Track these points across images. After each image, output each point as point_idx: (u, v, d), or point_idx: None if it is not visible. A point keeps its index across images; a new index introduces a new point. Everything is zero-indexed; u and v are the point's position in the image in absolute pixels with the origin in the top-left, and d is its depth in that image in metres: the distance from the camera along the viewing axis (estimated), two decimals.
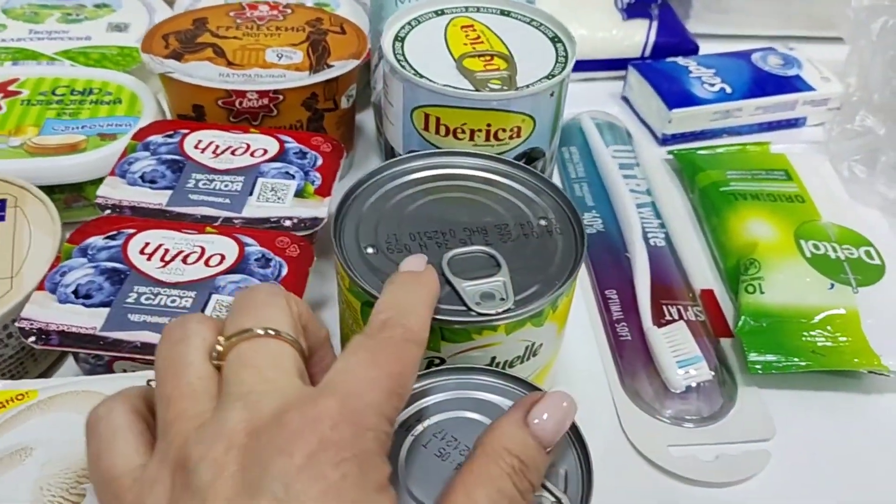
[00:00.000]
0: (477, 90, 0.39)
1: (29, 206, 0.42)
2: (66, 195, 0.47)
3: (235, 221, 0.41)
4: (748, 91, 0.59)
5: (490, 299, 0.32)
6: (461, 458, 0.28)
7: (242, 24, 0.51)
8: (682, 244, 0.51)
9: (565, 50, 0.42)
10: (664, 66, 0.61)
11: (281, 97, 0.46)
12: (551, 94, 0.40)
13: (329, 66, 0.48)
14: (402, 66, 0.40)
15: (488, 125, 0.39)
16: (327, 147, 0.46)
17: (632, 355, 0.44)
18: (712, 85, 0.59)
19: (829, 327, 0.43)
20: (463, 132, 0.39)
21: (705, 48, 0.66)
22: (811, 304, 0.44)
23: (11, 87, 0.51)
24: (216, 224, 0.41)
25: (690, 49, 0.64)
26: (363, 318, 0.33)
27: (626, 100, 0.63)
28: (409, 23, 0.44)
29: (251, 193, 0.42)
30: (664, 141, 0.58)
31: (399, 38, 0.42)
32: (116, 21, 0.59)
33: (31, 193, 0.43)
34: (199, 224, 0.40)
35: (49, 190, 0.45)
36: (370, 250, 0.34)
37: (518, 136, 0.40)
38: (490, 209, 0.36)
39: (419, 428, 0.30)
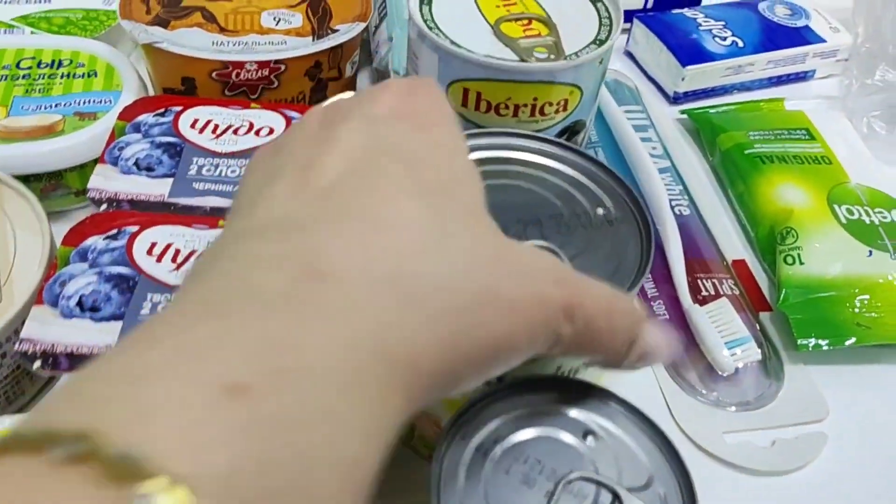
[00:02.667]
0: (523, 60, 0.35)
1: (8, 202, 0.38)
2: (44, 183, 0.42)
3: None
4: (759, 44, 0.56)
5: None
6: (549, 486, 0.26)
7: None
8: (707, 211, 0.48)
9: (607, 10, 0.38)
10: (671, 18, 0.58)
11: (283, 67, 0.42)
12: (600, 62, 0.36)
13: (333, 31, 0.43)
14: (436, 34, 0.36)
15: (535, 99, 0.36)
16: None
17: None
18: (724, 39, 0.56)
19: (871, 297, 0.42)
20: (506, 107, 0.36)
21: None
22: (852, 273, 0.43)
23: None
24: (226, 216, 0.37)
25: (693, 0, 0.61)
26: None
27: (630, 55, 0.60)
28: None
29: None
30: (675, 99, 0.56)
31: (425, 1, 0.38)
32: None
33: (8, 186, 0.38)
34: (210, 217, 0.36)
35: (24, 179, 0.40)
36: None
37: (564, 109, 0.36)
38: (541, 197, 0.33)
39: (497, 451, 0.27)
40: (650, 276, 0.44)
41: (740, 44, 0.56)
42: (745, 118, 0.52)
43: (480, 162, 0.34)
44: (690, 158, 0.52)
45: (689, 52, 0.55)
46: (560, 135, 0.35)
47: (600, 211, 0.33)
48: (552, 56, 0.35)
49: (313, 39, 0.43)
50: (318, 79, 0.44)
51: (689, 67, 0.54)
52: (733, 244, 0.47)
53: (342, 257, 0.18)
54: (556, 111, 0.36)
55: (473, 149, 0.34)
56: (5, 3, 0.50)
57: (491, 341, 0.19)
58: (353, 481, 0.16)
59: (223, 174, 0.38)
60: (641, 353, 0.24)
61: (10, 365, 0.34)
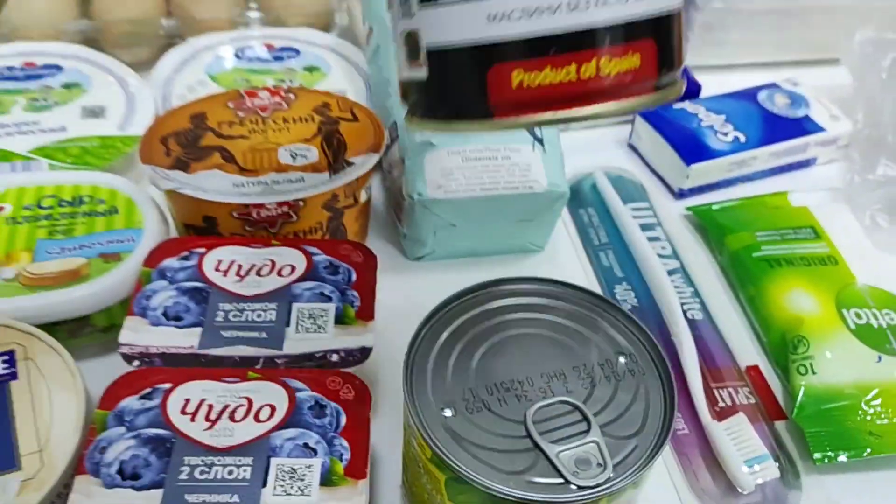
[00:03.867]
0: None
1: (41, 358, 0.39)
2: (71, 326, 0.43)
3: (278, 361, 0.38)
4: (761, 138, 0.57)
5: (586, 466, 0.30)
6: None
7: (246, 119, 0.47)
8: (719, 314, 0.49)
9: None
10: (673, 114, 0.59)
11: (301, 203, 0.43)
12: None
13: (349, 164, 0.44)
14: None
15: None
16: (358, 257, 0.43)
17: (692, 451, 0.43)
18: (725, 134, 0.57)
19: (882, 404, 0.43)
20: None
21: (703, 79, 0.64)
22: (862, 380, 0.44)
23: None
24: (258, 367, 0.38)
25: (693, 91, 0.63)
26: (449, 495, 0.31)
27: (633, 148, 0.61)
28: None
29: (288, 324, 0.39)
30: (680, 194, 0.57)
31: None
32: (90, 104, 0.54)
33: (40, 341, 0.39)
34: (240, 369, 0.37)
35: (50, 324, 0.41)
36: (448, 412, 0.31)
37: None
38: (563, 346, 0.34)
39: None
40: None
41: (742, 139, 0.57)
42: (751, 217, 0.53)
43: (502, 311, 0.35)
44: (699, 257, 0.53)
45: (693, 149, 0.56)
46: None
47: (622, 360, 0.34)
48: None
49: (330, 175, 0.44)
50: (335, 209, 0.45)
51: (693, 166, 0.55)
52: (746, 349, 0.48)
53: None
54: None
55: (489, 298, 0.35)
56: (21, 133, 0.52)
57: None
58: None
59: (249, 319, 0.39)
60: None
61: None
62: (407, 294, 0.48)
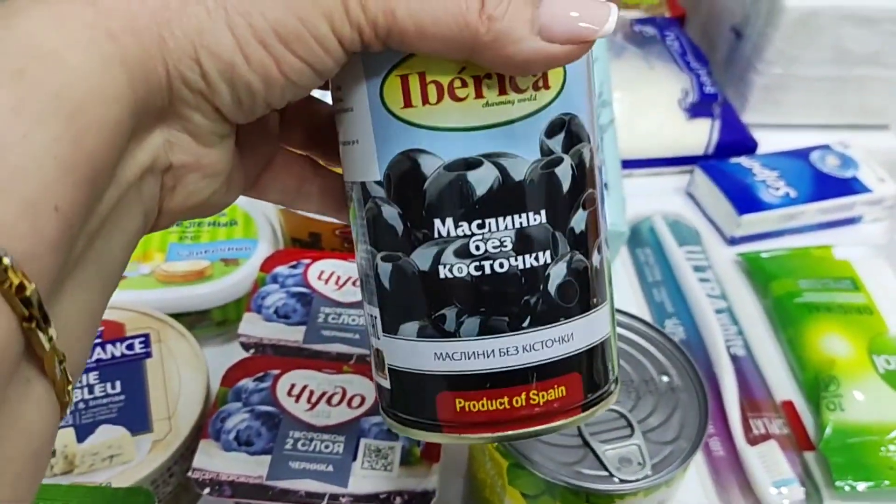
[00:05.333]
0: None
1: (172, 341, 0.46)
2: (193, 317, 0.50)
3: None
4: (810, 194, 0.62)
5: (628, 464, 0.36)
6: None
7: None
8: (759, 352, 0.54)
9: None
10: (729, 168, 0.64)
11: None
12: None
13: None
14: None
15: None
16: None
17: (726, 472, 0.48)
18: (777, 189, 0.62)
19: None
20: (464, 85, 0.24)
21: (760, 136, 0.70)
22: (887, 420, 0.48)
23: None
24: (351, 362, 0.44)
25: (750, 147, 0.68)
26: (509, 479, 0.37)
27: (690, 195, 0.66)
28: None
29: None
30: (732, 241, 0.62)
31: None
32: None
33: (171, 327, 0.47)
34: (336, 363, 0.44)
35: (176, 315, 0.48)
36: None
37: (545, 86, 0.24)
38: None
39: None
40: None
41: (793, 194, 0.62)
42: (796, 266, 0.58)
43: None
44: (746, 300, 0.59)
45: (746, 201, 0.61)
46: (549, 132, 0.24)
47: (665, 378, 0.39)
48: None
49: None
50: None
51: (745, 216, 0.61)
52: (783, 385, 0.53)
53: None
54: (535, 86, 0.24)
55: None
56: None
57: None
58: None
59: (345, 322, 0.46)
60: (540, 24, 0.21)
61: (173, 483, 0.42)
62: None
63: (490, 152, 0.24)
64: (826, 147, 0.67)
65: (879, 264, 0.59)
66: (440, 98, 0.24)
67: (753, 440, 0.49)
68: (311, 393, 0.42)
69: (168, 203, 0.23)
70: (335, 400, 0.42)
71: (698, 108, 0.68)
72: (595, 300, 0.26)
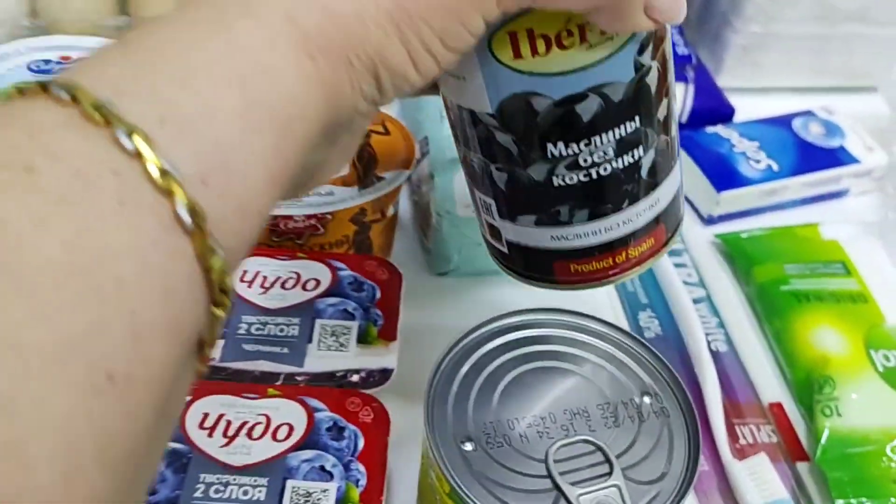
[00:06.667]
0: None
1: None
2: None
3: (298, 378, 0.38)
4: (794, 167, 0.57)
5: None
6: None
7: None
8: (743, 347, 0.49)
9: None
10: (705, 138, 0.58)
11: (329, 216, 0.43)
12: None
13: (379, 179, 0.44)
14: None
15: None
16: (383, 274, 0.42)
17: (710, 489, 0.42)
18: (758, 161, 0.56)
19: None
20: (570, 34, 0.26)
21: (737, 101, 0.63)
22: (888, 426, 0.43)
23: None
24: (278, 384, 0.37)
25: (726, 114, 0.62)
26: None
27: None
28: None
29: (310, 340, 0.39)
30: (709, 221, 0.56)
31: None
32: None
33: None
34: (259, 385, 0.37)
35: None
36: (468, 446, 0.31)
37: None
38: (586, 382, 0.34)
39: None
40: None
41: (775, 167, 0.56)
42: (780, 248, 0.53)
43: (526, 342, 0.35)
44: (726, 286, 0.53)
45: (724, 176, 0.55)
46: (640, 50, 0.27)
47: (647, 399, 0.33)
48: None
49: (359, 189, 0.43)
50: (362, 223, 0.45)
51: (723, 193, 0.55)
52: (770, 385, 0.47)
53: None
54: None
55: (513, 328, 0.35)
56: None
57: None
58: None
59: (271, 333, 0.39)
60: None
61: None
62: (429, 310, 0.48)
63: (593, 85, 0.27)
64: (809, 113, 0.61)
65: (871, 244, 0.53)
66: (548, 49, 0.26)
67: (741, 452, 0.43)
68: (229, 424, 0.36)
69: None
70: (257, 432, 0.35)
71: None
72: (673, 162, 0.31)
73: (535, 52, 0.26)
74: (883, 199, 0.58)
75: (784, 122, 0.60)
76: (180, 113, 0.18)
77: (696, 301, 0.50)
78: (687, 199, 0.58)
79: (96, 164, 0.17)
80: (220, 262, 0.18)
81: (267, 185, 0.20)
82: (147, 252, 0.17)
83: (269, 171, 0.20)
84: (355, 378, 0.38)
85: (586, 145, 0.27)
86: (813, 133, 0.59)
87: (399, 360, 0.39)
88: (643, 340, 0.35)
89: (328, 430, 0.36)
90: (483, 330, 0.35)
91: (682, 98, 0.61)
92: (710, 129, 0.59)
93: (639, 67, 0.27)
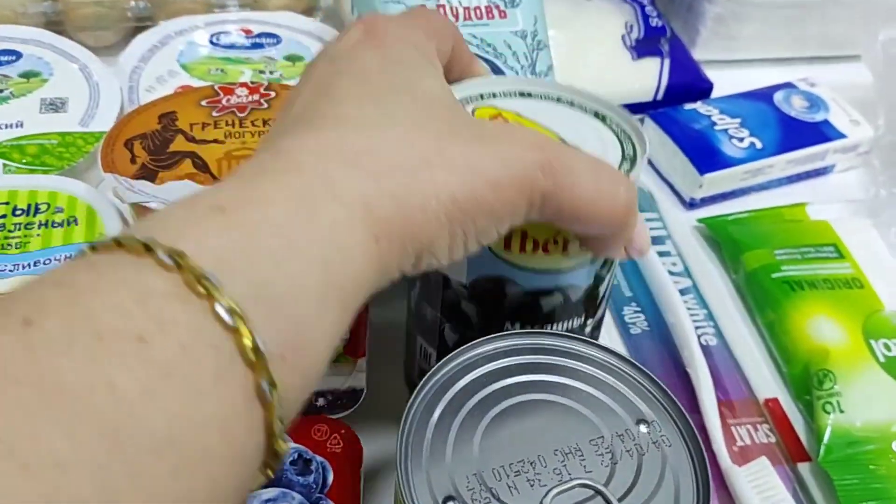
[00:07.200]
0: None
1: None
2: None
3: None
4: (778, 145, 0.54)
5: None
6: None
7: (220, 119, 0.42)
8: (734, 340, 0.46)
9: (619, 127, 0.34)
10: (684, 115, 0.55)
11: None
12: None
13: None
14: None
15: None
16: None
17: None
18: (741, 140, 0.53)
19: None
20: (555, 243, 0.31)
21: (714, 75, 0.60)
22: (893, 420, 0.41)
23: None
24: None
25: (705, 89, 0.58)
26: None
27: None
28: None
29: None
30: (692, 204, 0.53)
31: None
32: (51, 96, 0.49)
33: None
34: None
35: None
36: None
37: None
38: (577, 414, 0.29)
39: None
40: None
41: (758, 145, 0.53)
42: (768, 232, 0.50)
43: (505, 372, 0.31)
44: (713, 275, 0.50)
45: (707, 157, 0.52)
46: (602, 265, 0.33)
47: (644, 429, 0.30)
48: None
49: None
50: None
51: (707, 175, 0.51)
52: (765, 379, 0.44)
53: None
54: None
55: (486, 359, 0.31)
56: None
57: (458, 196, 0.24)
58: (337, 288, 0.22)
59: None
60: (630, 233, 0.29)
61: None
62: (399, 311, 0.43)
63: (560, 285, 0.32)
64: (790, 86, 0.58)
65: (862, 224, 0.51)
66: (535, 250, 0.31)
67: (740, 455, 0.40)
68: None
69: None
70: None
71: (645, 46, 0.57)
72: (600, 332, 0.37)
73: (522, 249, 0.31)
74: (869, 174, 0.55)
75: (765, 96, 0.57)
76: (273, 292, 0.20)
77: (682, 292, 0.47)
78: (668, 183, 0.55)
79: (199, 338, 0.18)
80: (281, 430, 0.20)
81: (328, 350, 0.22)
82: (231, 424, 0.18)
83: (332, 341, 0.22)
84: (321, 402, 0.34)
85: (538, 328, 0.32)
86: (796, 107, 0.56)
87: (369, 376, 0.36)
88: (634, 363, 0.31)
89: (292, 463, 0.32)
90: (453, 365, 0.30)
91: (657, 74, 0.57)
92: (688, 107, 0.55)
93: (597, 277, 0.33)
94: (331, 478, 0.32)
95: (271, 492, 0.31)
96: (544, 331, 0.32)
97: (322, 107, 0.25)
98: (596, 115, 0.35)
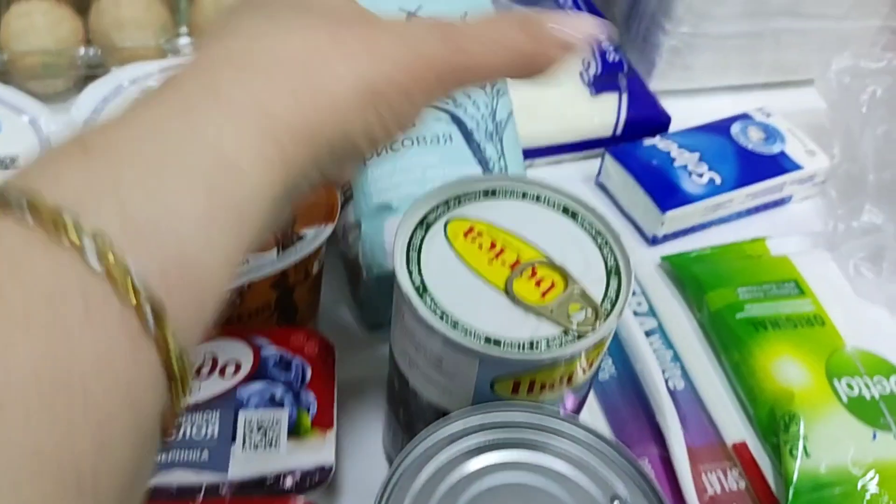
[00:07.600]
0: (566, 331, 0.31)
1: None
2: None
3: (221, 491, 0.33)
4: (737, 179, 0.54)
5: None
6: None
7: None
8: (701, 381, 0.46)
9: (604, 238, 0.35)
10: (643, 152, 0.55)
11: (246, 287, 0.38)
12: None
13: (299, 238, 0.39)
14: (469, 336, 0.30)
15: (588, 360, 0.33)
16: (312, 347, 0.38)
17: None
18: (700, 175, 0.54)
19: (879, 484, 0.40)
20: (561, 382, 0.32)
21: (669, 104, 0.61)
22: (859, 461, 0.41)
23: None
24: (199, 501, 0.33)
25: (663, 123, 0.59)
26: None
27: (602, 186, 0.57)
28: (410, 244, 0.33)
29: (233, 439, 0.34)
30: (654, 241, 0.53)
31: (420, 290, 0.31)
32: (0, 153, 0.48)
33: None
34: (178, 501, 0.32)
35: None
36: None
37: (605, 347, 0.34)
38: (547, 496, 0.29)
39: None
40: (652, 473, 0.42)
41: (717, 180, 0.54)
42: (730, 269, 0.50)
43: (466, 456, 0.30)
44: (677, 313, 0.50)
45: (667, 194, 0.52)
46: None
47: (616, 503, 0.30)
48: (590, 312, 0.31)
49: (278, 252, 0.39)
50: (285, 286, 0.40)
51: (668, 213, 0.52)
52: (733, 423, 0.44)
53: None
54: (599, 355, 0.34)
55: (454, 438, 0.30)
56: None
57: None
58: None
59: (188, 435, 0.34)
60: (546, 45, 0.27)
61: None
62: (365, 370, 0.43)
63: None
64: (746, 117, 0.59)
65: (821, 257, 0.51)
66: (541, 391, 0.32)
67: (711, 502, 0.41)
68: None
69: None
70: None
71: (603, 82, 0.58)
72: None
73: (530, 392, 0.32)
74: (827, 204, 0.56)
75: (722, 128, 0.58)
76: (145, 221, 0.19)
77: (648, 333, 0.47)
78: (630, 219, 0.55)
79: (61, 278, 0.17)
80: (181, 355, 0.19)
81: (224, 268, 0.21)
82: (114, 361, 0.17)
83: (228, 257, 0.21)
84: (289, 482, 0.33)
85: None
86: (753, 139, 0.57)
87: (339, 449, 0.35)
88: (601, 434, 0.31)
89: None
90: (420, 448, 0.30)
91: (615, 108, 0.57)
92: (647, 142, 0.56)
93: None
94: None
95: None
96: (516, 402, 0.32)
97: (215, 38, 0.24)
98: (565, 211, 0.35)
